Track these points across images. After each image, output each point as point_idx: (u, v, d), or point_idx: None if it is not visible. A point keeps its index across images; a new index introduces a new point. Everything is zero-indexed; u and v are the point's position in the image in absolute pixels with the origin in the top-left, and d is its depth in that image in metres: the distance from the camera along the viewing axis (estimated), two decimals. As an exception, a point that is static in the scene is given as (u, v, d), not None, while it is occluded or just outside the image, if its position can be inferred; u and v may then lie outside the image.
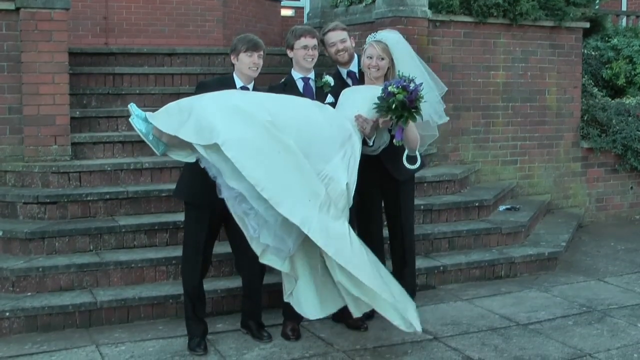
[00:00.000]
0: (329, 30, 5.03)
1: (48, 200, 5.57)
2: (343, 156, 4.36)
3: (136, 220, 5.58)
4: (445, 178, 6.89)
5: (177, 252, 5.12)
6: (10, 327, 4.72)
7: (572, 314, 5.24)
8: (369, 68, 4.73)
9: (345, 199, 4.33)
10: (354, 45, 5.15)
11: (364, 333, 4.76)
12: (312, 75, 4.88)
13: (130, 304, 4.97)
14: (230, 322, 4.96)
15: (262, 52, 4.62)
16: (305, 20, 10.90)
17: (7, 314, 4.71)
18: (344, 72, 5.09)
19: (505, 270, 6.14)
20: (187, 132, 4.10)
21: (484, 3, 7.42)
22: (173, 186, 4.89)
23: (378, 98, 4.43)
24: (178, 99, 4.39)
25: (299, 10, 13.44)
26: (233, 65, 4.68)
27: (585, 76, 9.23)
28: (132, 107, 4.33)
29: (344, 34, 5.03)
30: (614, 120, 8.35)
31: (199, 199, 4.47)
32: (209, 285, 4.97)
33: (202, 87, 4.65)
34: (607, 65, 10.05)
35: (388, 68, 4.73)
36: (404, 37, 4.99)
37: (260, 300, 4.80)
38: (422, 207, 6.32)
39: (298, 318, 4.69)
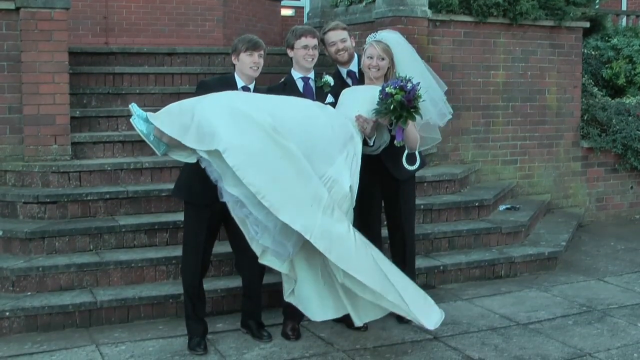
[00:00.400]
0: (329, 30, 5.03)
1: (48, 200, 5.57)
2: (345, 157, 4.36)
3: (136, 220, 5.58)
4: (445, 178, 6.89)
5: (177, 251, 5.12)
6: (10, 327, 4.72)
7: (572, 314, 5.24)
8: (369, 68, 4.73)
9: (349, 201, 4.33)
10: (354, 45, 5.15)
11: (364, 333, 4.76)
12: (312, 75, 4.88)
13: (130, 303, 4.97)
14: (230, 321, 4.96)
15: (262, 52, 4.62)
16: (305, 20, 10.91)
17: (7, 313, 4.71)
18: (343, 71, 5.09)
19: (505, 269, 6.14)
20: (189, 137, 4.10)
21: (484, 3, 7.42)
22: (173, 186, 4.89)
23: (377, 102, 4.44)
24: (178, 98, 4.39)
25: (299, 10, 13.43)
26: (234, 65, 4.68)
27: (585, 76, 9.23)
28: (133, 108, 4.32)
29: (344, 34, 5.03)
30: (614, 120, 8.35)
31: (199, 198, 4.47)
32: (208, 284, 4.97)
33: (203, 86, 4.65)
34: (607, 65, 10.05)
35: (388, 68, 4.73)
36: (404, 36, 4.99)
37: (260, 300, 4.80)
38: (422, 206, 6.32)
39: (298, 318, 4.69)
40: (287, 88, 4.82)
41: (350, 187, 4.32)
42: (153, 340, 4.68)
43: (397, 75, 4.61)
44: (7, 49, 5.99)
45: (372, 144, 4.69)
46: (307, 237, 4.04)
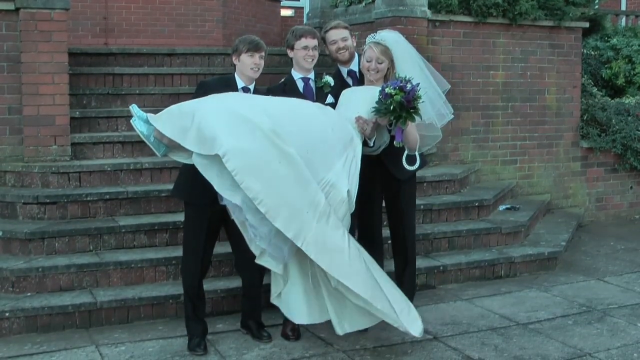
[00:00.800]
0: (331, 28, 5.03)
1: (48, 201, 5.57)
2: (345, 161, 4.36)
3: (136, 221, 5.58)
4: (445, 178, 6.89)
5: (177, 252, 5.12)
6: (10, 328, 4.72)
7: (572, 314, 5.25)
8: (367, 70, 4.73)
9: (345, 206, 4.33)
10: (354, 44, 5.15)
11: (363, 333, 4.74)
12: (312, 75, 4.88)
13: (130, 304, 4.97)
14: (230, 322, 4.96)
15: (263, 53, 4.62)
16: (304, 21, 10.90)
17: (7, 314, 4.71)
18: (344, 71, 5.09)
19: (505, 270, 6.15)
20: (189, 140, 4.10)
21: (483, 3, 7.42)
22: (172, 186, 4.88)
23: (376, 102, 4.44)
24: (178, 99, 4.40)
25: (298, 10, 13.43)
26: (234, 65, 4.68)
27: (585, 76, 9.23)
28: (134, 109, 4.33)
29: (345, 32, 5.02)
30: (613, 120, 8.35)
31: (198, 198, 4.46)
32: (208, 285, 4.97)
33: (203, 87, 4.65)
34: (606, 65, 10.05)
35: (388, 69, 4.73)
36: (403, 37, 4.99)
37: (260, 300, 4.80)
38: (422, 207, 6.32)
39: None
40: (287, 88, 4.82)
41: (348, 191, 4.33)
42: (153, 340, 4.68)
43: (397, 75, 4.61)
44: (7, 49, 6.00)
45: (372, 144, 4.69)
46: (299, 245, 4.07)
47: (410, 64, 4.78)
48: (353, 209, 4.46)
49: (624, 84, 9.84)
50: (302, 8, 13.26)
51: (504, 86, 7.81)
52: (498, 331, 4.89)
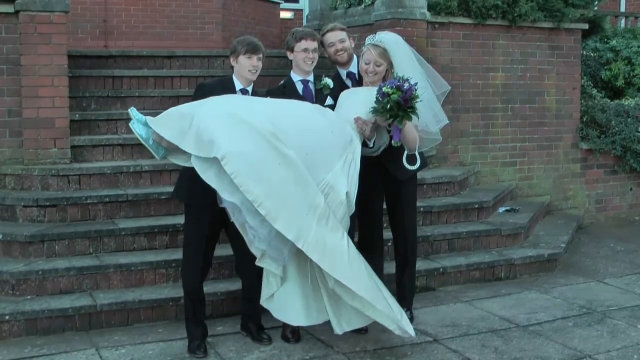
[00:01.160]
0: (328, 31, 5.03)
1: (48, 203, 5.57)
2: (344, 163, 4.37)
3: (136, 223, 5.58)
4: (444, 180, 6.89)
5: (177, 254, 5.12)
6: (10, 331, 4.72)
7: (572, 316, 5.24)
8: (366, 73, 4.73)
9: (344, 208, 4.34)
10: (353, 46, 5.15)
11: (363, 335, 4.75)
12: (311, 77, 4.88)
13: (130, 306, 4.97)
14: (230, 324, 4.96)
15: (261, 55, 4.61)
16: (304, 23, 10.91)
17: (7, 317, 4.70)
18: (343, 73, 5.09)
19: (505, 271, 6.14)
20: (187, 143, 4.10)
21: (483, 4, 7.43)
22: (173, 188, 4.89)
23: (374, 101, 4.45)
24: (177, 101, 4.40)
25: (297, 12, 13.44)
26: (232, 67, 4.67)
27: (585, 77, 9.24)
28: (133, 112, 4.32)
29: (342, 34, 5.02)
30: (613, 122, 8.36)
31: (199, 199, 4.45)
32: (208, 287, 4.96)
33: (202, 89, 4.65)
34: (606, 67, 10.06)
35: (386, 71, 4.73)
36: (403, 39, 4.99)
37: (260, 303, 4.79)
38: (421, 208, 6.31)
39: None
40: (287, 91, 4.82)
41: (347, 193, 4.33)
42: (153, 343, 4.67)
43: (395, 75, 4.61)
44: (7, 52, 6.00)
45: (371, 145, 4.70)
46: (300, 246, 4.08)
47: (409, 66, 4.78)
48: (352, 211, 4.46)
49: (624, 86, 9.85)
50: (302, 10, 13.26)
51: (504, 88, 7.81)
52: (498, 333, 4.89)
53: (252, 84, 4.68)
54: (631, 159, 8.30)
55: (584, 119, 8.35)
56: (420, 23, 7.20)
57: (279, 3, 11.61)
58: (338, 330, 4.46)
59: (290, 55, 4.85)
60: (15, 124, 6.03)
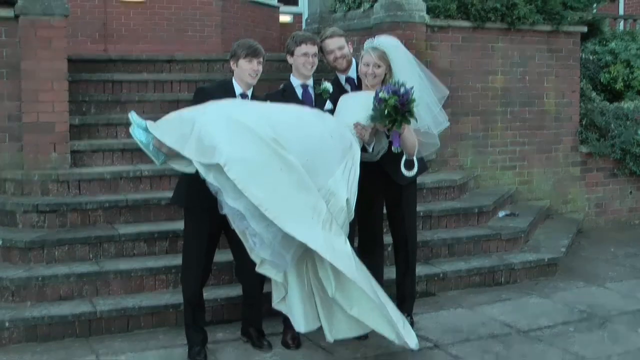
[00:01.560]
0: (326, 38, 5.02)
1: (47, 209, 5.56)
2: (344, 168, 4.36)
3: (136, 229, 5.57)
4: (444, 184, 6.88)
5: (177, 260, 5.10)
6: (9, 337, 4.71)
7: (573, 321, 5.24)
8: (365, 75, 4.73)
9: (345, 214, 4.33)
10: (351, 50, 5.15)
11: (364, 341, 4.74)
12: (310, 82, 4.88)
13: (130, 313, 4.96)
14: (230, 331, 4.94)
15: (262, 59, 4.60)
16: (303, 26, 10.90)
17: (7, 323, 4.69)
18: (342, 78, 5.09)
19: (505, 276, 6.14)
20: (189, 149, 4.09)
21: (482, 8, 7.43)
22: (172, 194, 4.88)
23: (372, 108, 4.45)
24: (177, 105, 4.38)
25: (297, 16, 13.42)
26: (232, 71, 4.66)
27: (584, 80, 9.23)
28: (133, 116, 4.30)
29: (341, 41, 5.01)
30: (612, 125, 8.35)
31: (198, 204, 4.44)
32: (208, 293, 4.96)
33: (201, 93, 4.63)
34: (605, 69, 10.05)
35: (385, 74, 4.74)
36: (402, 42, 4.99)
37: (260, 308, 4.78)
38: (421, 213, 6.30)
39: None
40: (286, 95, 4.81)
41: (347, 200, 4.32)
42: (153, 350, 4.66)
43: (394, 81, 4.61)
44: (7, 56, 6.00)
45: (371, 150, 4.70)
46: (313, 248, 4.05)
47: (408, 70, 4.78)
48: (352, 217, 4.46)
49: (623, 88, 9.84)
50: (301, 14, 13.25)
51: (503, 91, 7.80)
52: (499, 339, 4.88)
53: (252, 88, 4.67)
54: (631, 162, 8.29)
55: (584, 122, 8.35)
56: (419, 26, 7.19)
57: (278, 7, 11.60)
58: (329, 337, 4.45)
59: (290, 59, 4.84)
60: (15, 128, 6.03)
